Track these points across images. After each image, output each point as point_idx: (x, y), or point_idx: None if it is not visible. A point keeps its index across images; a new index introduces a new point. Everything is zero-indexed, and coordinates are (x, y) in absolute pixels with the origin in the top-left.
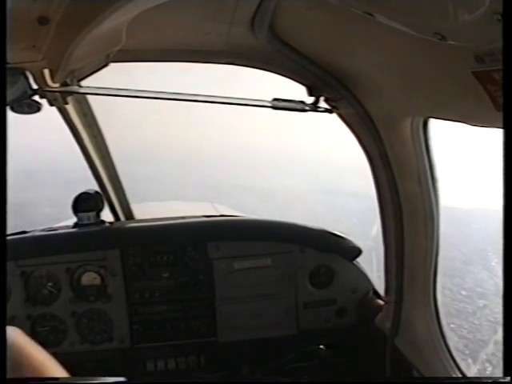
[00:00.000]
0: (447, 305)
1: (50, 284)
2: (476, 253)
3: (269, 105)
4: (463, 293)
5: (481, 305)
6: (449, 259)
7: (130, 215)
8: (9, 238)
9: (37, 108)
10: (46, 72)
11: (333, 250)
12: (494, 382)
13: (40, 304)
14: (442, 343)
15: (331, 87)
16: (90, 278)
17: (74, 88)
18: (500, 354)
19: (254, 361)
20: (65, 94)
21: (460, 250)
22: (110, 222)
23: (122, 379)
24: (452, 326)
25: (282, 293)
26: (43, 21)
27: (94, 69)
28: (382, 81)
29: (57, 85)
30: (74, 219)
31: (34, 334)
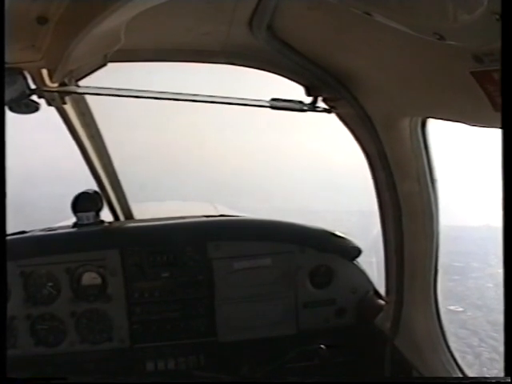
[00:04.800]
0: None
1: (49, 284)
2: None
3: (267, 105)
4: None
5: None
6: None
7: (129, 215)
8: (9, 237)
9: (35, 108)
10: (45, 72)
11: (333, 249)
12: (494, 382)
13: (40, 304)
14: (443, 343)
15: (330, 87)
16: (89, 278)
17: (72, 88)
18: None
19: (253, 361)
20: (63, 94)
21: None
22: (110, 222)
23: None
24: None
25: (281, 293)
26: (42, 21)
27: (92, 69)
28: (380, 81)
29: (55, 85)
30: (74, 219)
31: (33, 334)
